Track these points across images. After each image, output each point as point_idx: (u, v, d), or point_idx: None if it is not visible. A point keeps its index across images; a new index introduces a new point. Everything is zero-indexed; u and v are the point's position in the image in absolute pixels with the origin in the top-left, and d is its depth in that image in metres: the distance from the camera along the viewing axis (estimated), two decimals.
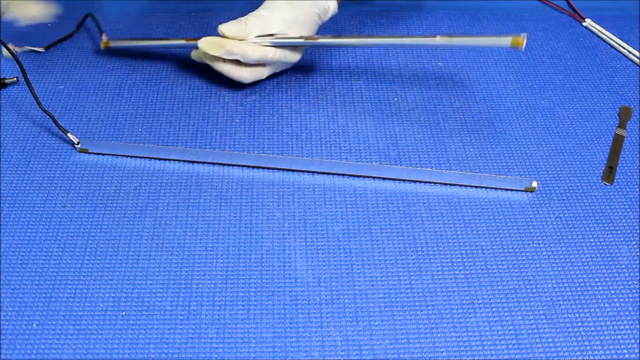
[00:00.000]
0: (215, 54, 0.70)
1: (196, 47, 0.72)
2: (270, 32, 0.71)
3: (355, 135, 0.72)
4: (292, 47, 0.73)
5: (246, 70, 0.73)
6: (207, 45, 0.70)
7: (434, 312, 0.57)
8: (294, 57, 0.74)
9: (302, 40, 0.72)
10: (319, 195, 0.66)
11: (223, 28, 0.70)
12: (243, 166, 0.68)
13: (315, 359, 0.54)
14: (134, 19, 0.86)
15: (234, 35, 0.70)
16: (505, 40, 0.62)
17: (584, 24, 0.88)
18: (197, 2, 0.89)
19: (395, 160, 0.70)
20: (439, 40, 0.68)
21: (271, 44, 0.71)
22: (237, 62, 0.72)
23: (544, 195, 0.67)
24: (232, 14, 0.87)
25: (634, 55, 0.83)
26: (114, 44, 0.79)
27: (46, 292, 0.58)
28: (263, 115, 0.74)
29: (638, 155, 0.71)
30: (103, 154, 0.69)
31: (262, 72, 0.74)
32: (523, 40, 0.61)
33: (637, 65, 0.83)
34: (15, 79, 0.76)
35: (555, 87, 0.79)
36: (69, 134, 0.69)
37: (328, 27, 0.84)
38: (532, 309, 0.58)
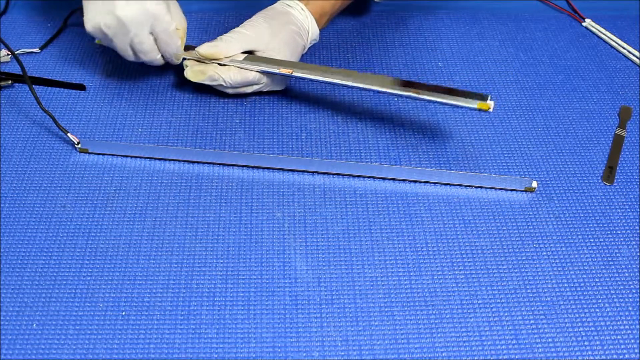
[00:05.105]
0: (199, 81, 0.71)
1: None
2: (249, 49, 0.72)
3: (355, 135, 0.72)
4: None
5: (230, 90, 0.73)
6: (192, 74, 0.71)
7: (434, 312, 0.57)
8: (277, 78, 0.73)
9: (287, 72, 0.71)
10: (319, 195, 0.66)
11: (199, 49, 0.71)
12: (243, 166, 0.68)
13: (315, 359, 0.54)
14: None
15: (210, 55, 0.71)
16: (472, 104, 0.66)
17: (584, 24, 0.88)
18: (197, 2, 0.89)
19: (395, 160, 0.70)
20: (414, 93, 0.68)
21: (249, 68, 0.71)
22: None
23: (544, 195, 0.67)
24: (231, 13, 0.87)
25: (634, 55, 0.83)
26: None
27: (46, 292, 0.58)
28: (263, 115, 0.74)
29: (638, 155, 0.71)
30: (103, 154, 0.69)
31: (245, 91, 0.74)
32: (489, 106, 0.65)
33: (637, 65, 0.83)
34: (9, 82, 0.75)
35: (555, 87, 0.79)
36: (69, 134, 0.69)
37: (328, 27, 0.84)
38: (532, 309, 0.58)
